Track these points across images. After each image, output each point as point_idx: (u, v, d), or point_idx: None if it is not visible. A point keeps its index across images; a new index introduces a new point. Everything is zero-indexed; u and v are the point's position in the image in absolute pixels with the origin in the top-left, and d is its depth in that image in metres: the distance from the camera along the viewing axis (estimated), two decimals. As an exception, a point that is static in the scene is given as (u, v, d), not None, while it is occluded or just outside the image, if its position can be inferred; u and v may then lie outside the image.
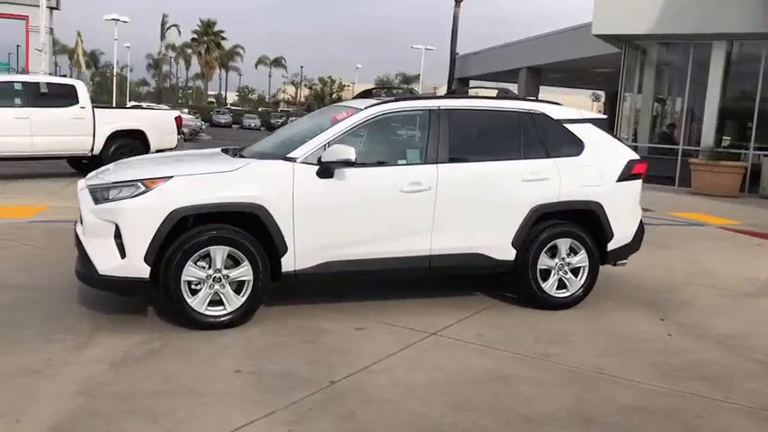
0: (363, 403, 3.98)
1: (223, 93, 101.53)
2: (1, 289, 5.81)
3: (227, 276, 5.08)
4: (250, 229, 5.14)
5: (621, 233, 6.26)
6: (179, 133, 14.59)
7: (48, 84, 13.07)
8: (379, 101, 5.86)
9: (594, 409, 4.05)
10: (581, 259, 6.08)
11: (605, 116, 6.82)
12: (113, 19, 48.21)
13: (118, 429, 3.51)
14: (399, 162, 5.73)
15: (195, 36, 72.07)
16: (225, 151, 6.10)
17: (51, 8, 59.13)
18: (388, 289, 6.31)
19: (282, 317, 5.46)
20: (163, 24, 68.04)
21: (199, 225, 5.06)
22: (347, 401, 3.99)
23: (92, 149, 13.30)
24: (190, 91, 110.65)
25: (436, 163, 5.64)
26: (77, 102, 13.04)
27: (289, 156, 5.34)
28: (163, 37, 68.57)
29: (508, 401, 4.10)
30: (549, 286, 6.02)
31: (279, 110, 76.93)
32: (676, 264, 8.42)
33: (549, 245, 5.97)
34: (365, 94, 6.67)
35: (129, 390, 3.97)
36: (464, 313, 5.81)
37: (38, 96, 12.58)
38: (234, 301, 5.11)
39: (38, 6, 58.46)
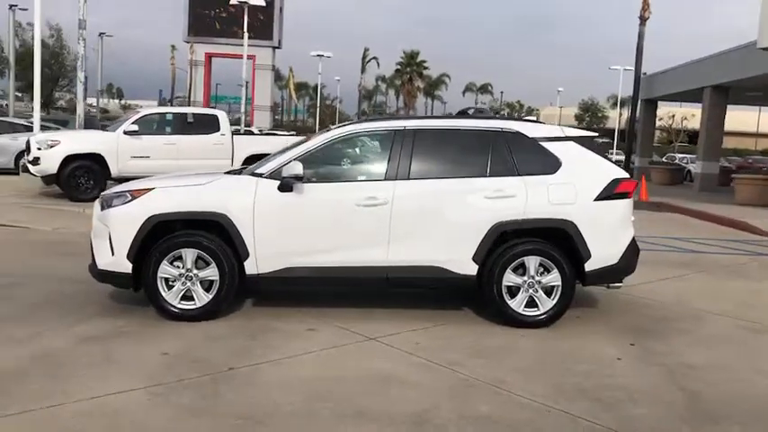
0: (237, 387, 4.51)
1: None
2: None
3: (197, 275, 5.87)
4: (220, 236, 5.89)
5: (601, 254, 6.09)
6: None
7: (194, 114, 15.08)
8: (353, 121, 6.37)
9: (439, 413, 4.20)
10: (553, 278, 6.03)
11: (594, 134, 6.61)
12: (318, 55, 52.45)
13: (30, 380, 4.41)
14: (360, 178, 6.18)
15: (399, 67, 75.70)
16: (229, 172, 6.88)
17: (274, 48, 65.69)
18: (375, 297, 6.71)
19: (252, 316, 6.12)
20: (364, 57, 72.39)
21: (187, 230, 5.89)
22: (225, 384, 4.54)
23: (230, 171, 15.05)
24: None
25: (395, 180, 5.99)
26: (219, 130, 14.88)
27: (256, 172, 6.05)
28: (363, 70, 72.86)
29: (364, 399, 4.39)
30: (517, 304, 6.04)
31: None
32: (730, 294, 7.77)
33: (515, 262, 6.01)
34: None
35: (66, 357, 4.89)
36: (425, 324, 6.05)
37: (185, 125, 14.59)
38: (203, 298, 5.88)
39: (264, 47, 64.90)
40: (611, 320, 6.49)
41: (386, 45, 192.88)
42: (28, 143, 13.99)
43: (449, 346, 5.50)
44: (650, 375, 5.05)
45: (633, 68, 27.45)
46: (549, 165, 6.15)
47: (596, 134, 6.83)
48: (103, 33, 56.85)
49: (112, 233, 5.87)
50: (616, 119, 59.07)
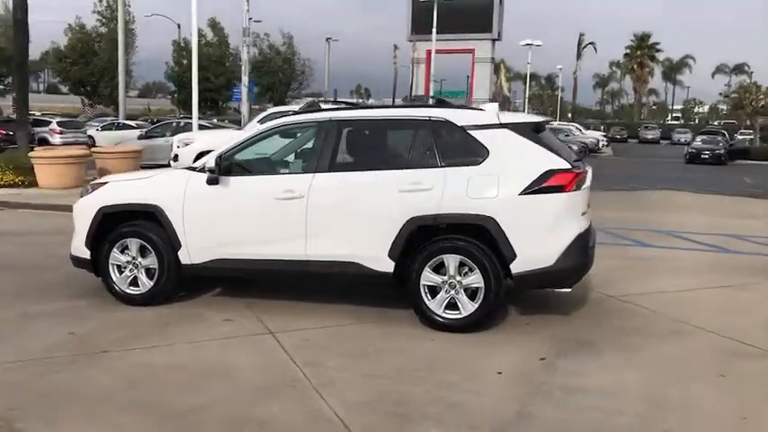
0: (80, 368, 4.81)
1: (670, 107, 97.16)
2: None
3: (140, 263, 6.30)
4: (158, 227, 6.25)
5: (530, 255, 5.41)
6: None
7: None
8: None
9: (210, 412, 4.13)
10: (475, 279, 5.50)
11: (542, 119, 5.74)
12: (527, 44, 51.24)
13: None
14: (282, 171, 6.13)
15: (628, 51, 71.03)
16: None
17: (494, 40, 65.64)
18: (334, 291, 6.61)
19: (192, 303, 6.40)
20: (579, 43, 68.83)
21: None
22: (76, 364, 4.88)
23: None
24: (654, 107, 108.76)
25: (314, 172, 5.87)
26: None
27: (192, 166, 6.31)
28: (579, 56, 69.27)
29: (165, 389, 4.47)
30: (436, 305, 5.61)
31: (714, 122, 70.44)
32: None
33: (434, 260, 5.58)
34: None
35: (-11, 331, 5.61)
36: (345, 322, 5.89)
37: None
38: (146, 284, 6.30)
39: (483, 40, 65.16)
40: (558, 329, 5.74)
41: (614, 28, 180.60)
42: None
43: (335, 346, 5.30)
44: (507, 393, 4.43)
45: None
46: (476, 155, 5.59)
47: (542, 120, 6.01)
48: (330, 38, 61.08)
49: (75, 222, 6.54)
50: None
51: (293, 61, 57.92)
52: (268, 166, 6.41)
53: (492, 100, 62.42)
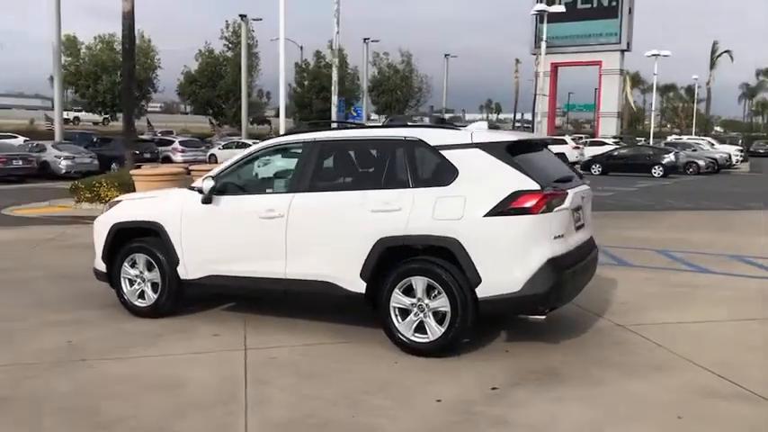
0: (52, 375, 5.12)
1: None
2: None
3: (146, 278, 6.67)
4: (161, 243, 6.58)
5: (496, 279, 5.20)
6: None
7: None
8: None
9: (129, 423, 4.30)
10: (442, 303, 5.36)
11: (525, 137, 5.44)
12: (653, 54, 48.83)
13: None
14: (267, 191, 6.27)
15: (773, 59, 65.82)
16: None
17: (622, 51, 63.36)
18: (328, 309, 6.64)
19: (192, 317, 6.66)
20: (713, 52, 64.39)
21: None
22: (49, 371, 5.20)
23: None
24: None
25: (295, 192, 5.97)
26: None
27: (192, 185, 6.59)
28: (712, 65, 64.76)
29: (103, 398, 4.70)
30: (405, 327, 5.51)
31: None
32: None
33: (402, 282, 5.50)
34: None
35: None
36: (326, 340, 5.94)
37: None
38: (151, 298, 6.66)
39: (611, 51, 63.04)
40: (534, 357, 5.45)
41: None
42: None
43: (298, 365, 5.35)
44: (429, 421, 4.29)
45: None
46: (446, 175, 5.46)
47: (524, 138, 5.72)
48: (448, 55, 61.24)
49: (95, 238, 7.02)
50: None
51: (411, 79, 58.67)
52: (256, 186, 6.59)
53: (620, 113, 59.57)
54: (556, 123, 78.56)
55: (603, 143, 43.64)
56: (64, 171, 26.51)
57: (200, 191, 6.30)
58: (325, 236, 5.80)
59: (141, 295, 6.71)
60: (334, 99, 19.49)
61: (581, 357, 5.50)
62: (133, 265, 6.71)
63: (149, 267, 6.62)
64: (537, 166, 5.57)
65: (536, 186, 5.22)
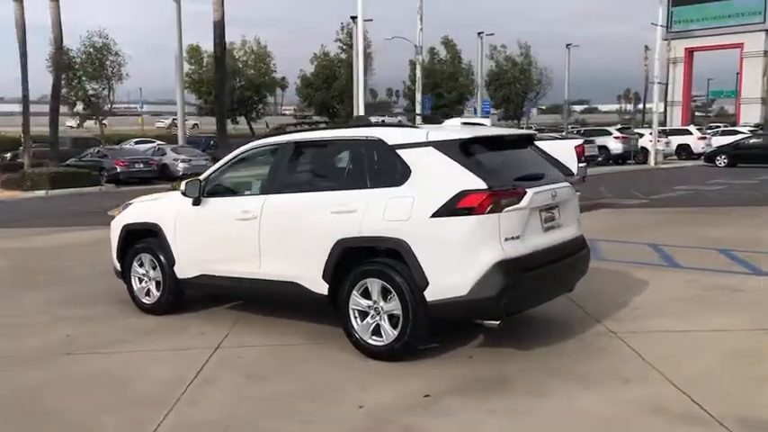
0: (33, 366, 5.52)
1: None
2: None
3: (151, 276, 7.00)
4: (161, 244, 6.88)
5: (442, 282, 5.00)
6: (580, 162, 14.63)
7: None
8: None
9: (65, 415, 4.54)
10: (395, 306, 5.22)
11: (476, 135, 5.09)
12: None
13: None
14: (246, 193, 6.36)
15: None
16: None
17: (767, 31, 58.64)
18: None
19: (188, 317, 6.84)
20: None
21: None
22: (40, 363, 5.58)
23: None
24: None
25: (268, 194, 6.04)
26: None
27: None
28: None
29: (65, 392, 4.98)
30: (362, 329, 5.43)
31: None
32: None
33: (359, 284, 5.42)
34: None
35: (25, 324, 6.67)
36: (299, 341, 5.96)
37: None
38: (155, 295, 6.99)
39: (753, 32, 58.66)
40: (492, 364, 5.19)
41: None
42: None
43: (256, 365, 5.43)
44: (340, 427, 4.18)
45: None
46: (399, 175, 5.30)
47: (472, 136, 5.38)
48: (570, 44, 59.06)
49: (111, 238, 7.45)
50: None
51: (530, 71, 57.24)
52: (237, 188, 6.71)
53: (764, 98, 54.62)
54: (695, 113, 73.68)
55: (737, 132, 40.33)
56: (181, 173, 28.22)
57: (184, 193, 6.51)
58: (294, 237, 5.82)
59: (148, 293, 7.05)
60: (418, 96, 19.40)
61: (546, 366, 5.15)
62: (141, 265, 7.06)
63: (153, 266, 6.93)
64: (496, 164, 5.29)
65: (483, 185, 4.96)
